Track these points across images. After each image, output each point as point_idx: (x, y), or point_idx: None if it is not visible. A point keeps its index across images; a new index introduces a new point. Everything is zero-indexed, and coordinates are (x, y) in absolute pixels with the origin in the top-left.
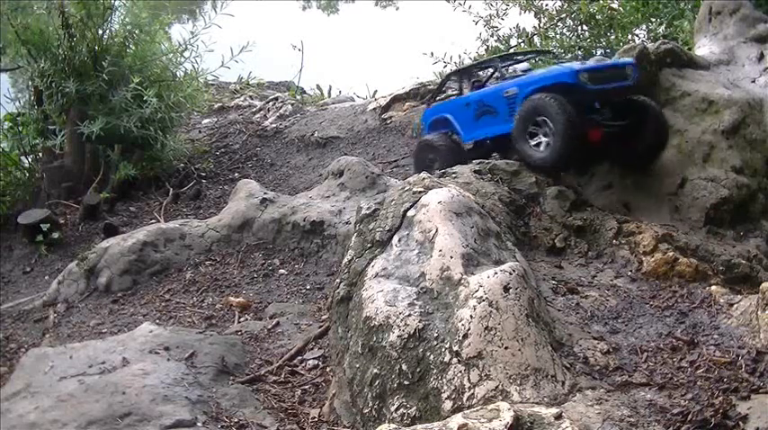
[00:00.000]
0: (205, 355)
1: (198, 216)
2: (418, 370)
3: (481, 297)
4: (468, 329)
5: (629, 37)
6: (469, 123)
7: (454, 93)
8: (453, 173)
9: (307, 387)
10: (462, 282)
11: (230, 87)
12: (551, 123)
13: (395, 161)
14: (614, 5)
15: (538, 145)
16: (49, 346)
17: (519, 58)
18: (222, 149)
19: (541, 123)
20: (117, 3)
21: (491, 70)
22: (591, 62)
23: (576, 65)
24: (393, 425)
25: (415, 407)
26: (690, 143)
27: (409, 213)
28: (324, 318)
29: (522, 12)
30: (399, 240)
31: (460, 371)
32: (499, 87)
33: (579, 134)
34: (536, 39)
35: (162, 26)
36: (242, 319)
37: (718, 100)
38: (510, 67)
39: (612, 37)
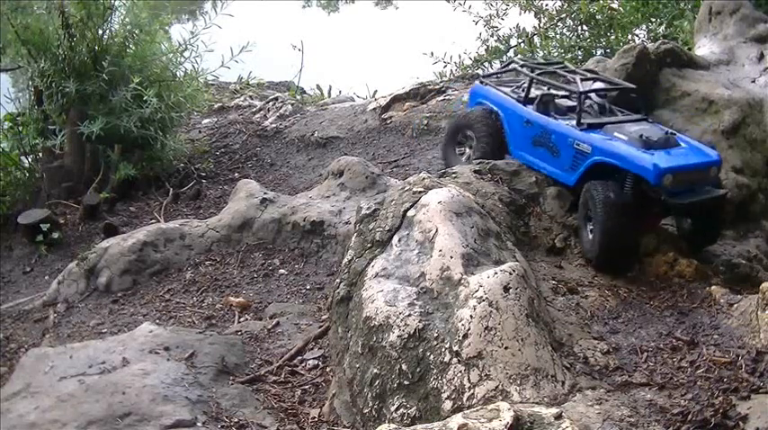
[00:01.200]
0: (205, 355)
1: (198, 216)
2: (418, 370)
3: (481, 297)
4: (469, 329)
5: (629, 37)
6: (522, 141)
7: (514, 84)
8: (453, 173)
9: (307, 387)
10: (462, 282)
11: (230, 87)
12: (595, 215)
13: (395, 161)
14: (614, 5)
15: (591, 232)
16: (49, 346)
17: (600, 85)
18: (222, 149)
19: (592, 213)
20: (117, 3)
21: (565, 81)
22: (678, 156)
23: (660, 157)
24: (393, 425)
25: (415, 407)
26: None
27: (409, 213)
28: (324, 317)
29: (522, 12)
30: (399, 240)
31: (460, 371)
32: (571, 133)
33: (626, 234)
34: (536, 39)
35: (162, 26)
36: (242, 319)
37: (718, 100)
38: (586, 84)
39: (612, 37)
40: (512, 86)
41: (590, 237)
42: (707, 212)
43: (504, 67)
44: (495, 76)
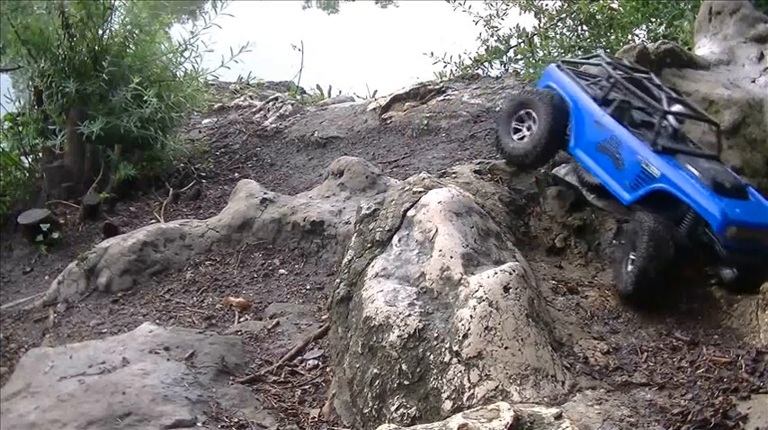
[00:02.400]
0: (205, 355)
1: (198, 216)
2: (418, 370)
3: (481, 297)
4: (469, 329)
5: (629, 37)
6: (586, 141)
7: (590, 79)
8: (453, 173)
9: (307, 387)
10: (462, 281)
11: (230, 87)
12: (639, 245)
13: (395, 161)
14: (614, 5)
15: (632, 262)
16: (49, 346)
17: (682, 109)
18: (222, 149)
19: (637, 242)
20: (117, 3)
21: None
22: (747, 209)
23: (730, 206)
24: (393, 425)
25: (415, 407)
26: None
27: (409, 213)
28: (324, 317)
29: (522, 12)
30: (399, 240)
31: (460, 371)
32: (643, 152)
33: (666, 271)
34: (536, 39)
35: (162, 26)
36: (242, 319)
37: (718, 100)
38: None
39: (612, 37)
40: (588, 81)
41: (628, 268)
42: (755, 267)
43: (589, 58)
44: (575, 64)
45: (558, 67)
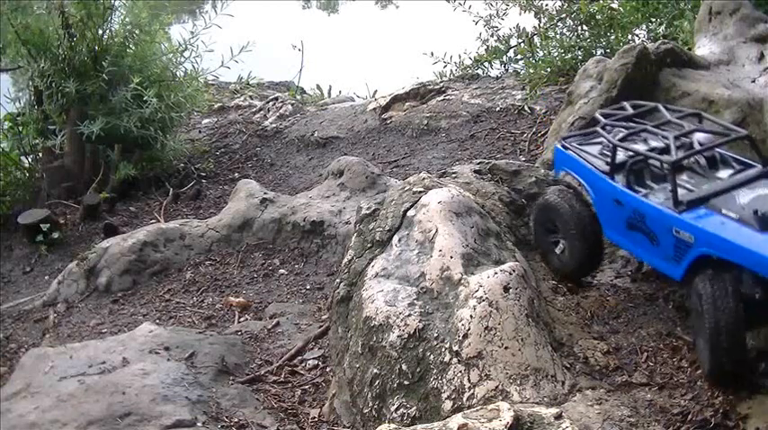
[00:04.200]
0: (205, 355)
1: (198, 216)
2: (418, 370)
3: (481, 297)
4: (468, 329)
5: (629, 37)
6: (615, 223)
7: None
8: (453, 173)
9: (307, 387)
10: (462, 281)
11: (230, 87)
12: (706, 319)
13: (395, 161)
14: (614, 5)
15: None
16: (49, 346)
17: (703, 138)
18: (222, 149)
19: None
20: (117, 3)
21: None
22: None
23: None
24: (393, 425)
25: (415, 407)
26: None
27: (409, 213)
28: (324, 317)
29: (522, 12)
30: (399, 240)
31: (460, 371)
32: (667, 217)
33: (743, 341)
34: (536, 39)
35: (162, 26)
36: (242, 319)
37: (718, 100)
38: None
39: (612, 37)
40: (600, 147)
41: (701, 346)
42: None
43: (588, 125)
44: (580, 136)
45: (563, 146)
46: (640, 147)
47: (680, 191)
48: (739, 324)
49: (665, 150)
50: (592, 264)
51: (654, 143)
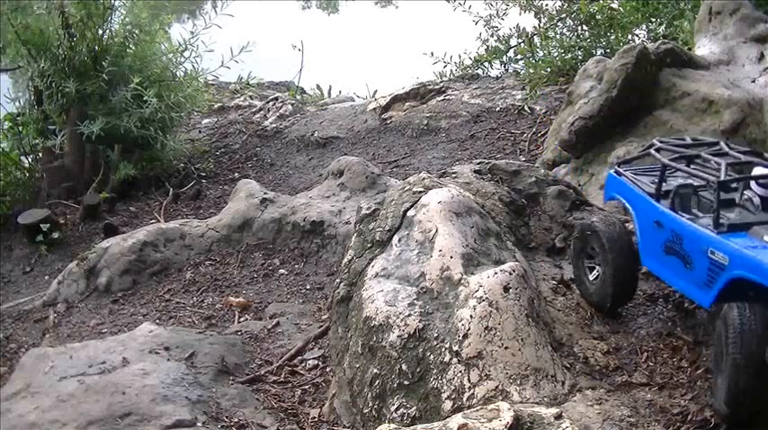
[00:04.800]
0: (205, 355)
1: (198, 216)
2: (418, 370)
3: (481, 297)
4: (468, 329)
5: (629, 37)
6: (653, 247)
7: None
8: (453, 173)
9: (307, 387)
10: (462, 282)
11: (230, 87)
12: (728, 349)
13: (395, 161)
14: (614, 5)
15: (723, 373)
16: (49, 346)
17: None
18: (222, 149)
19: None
20: (117, 3)
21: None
22: None
23: None
24: (393, 425)
25: (415, 407)
26: None
27: (409, 213)
28: (324, 317)
29: (522, 12)
30: (399, 240)
31: (460, 371)
32: (705, 238)
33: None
34: (536, 39)
35: (162, 26)
36: (242, 319)
37: (718, 100)
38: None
39: (612, 37)
40: (653, 175)
41: (718, 380)
42: None
43: (644, 151)
44: (635, 161)
45: (617, 172)
46: (688, 169)
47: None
48: (763, 359)
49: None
50: (623, 296)
51: (706, 174)
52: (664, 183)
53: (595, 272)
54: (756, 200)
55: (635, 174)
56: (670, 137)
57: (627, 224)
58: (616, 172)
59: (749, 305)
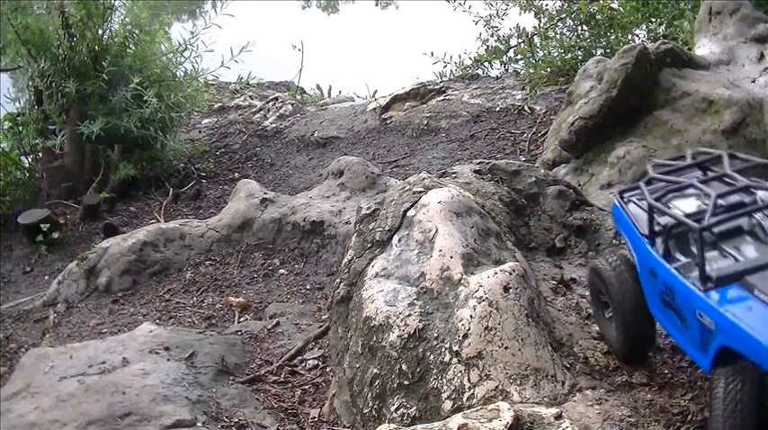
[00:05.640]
0: (205, 355)
1: (198, 216)
2: (418, 370)
3: (481, 297)
4: (468, 329)
5: (629, 37)
6: (653, 296)
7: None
8: (453, 173)
9: (307, 387)
10: (462, 281)
11: (230, 87)
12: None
13: (395, 161)
14: (614, 5)
15: None
16: (49, 346)
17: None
18: (222, 149)
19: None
20: (117, 3)
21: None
22: None
23: None
24: (393, 425)
25: (415, 407)
26: (690, 143)
27: (409, 213)
28: (324, 317)
29: (522, 12)
30: (399, 240)
31: (460, 371)
32: (692, 296)
33: None
34: (536, 39)
35: (162, 26)
36: (242, 319)
37: (718, 100)
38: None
39: (612, 37)
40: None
41: None
42: None
43: (642, 179)
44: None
45: (618, 202)
46: (678, 209)
47: (718, 264)
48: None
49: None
50: (638, 345)
51: (705, 202)
52: (656, 222)
53: (610, 317)
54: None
55: (640, 200)
56: (667, 158)
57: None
58: (618, 201)
59: (737, 376)
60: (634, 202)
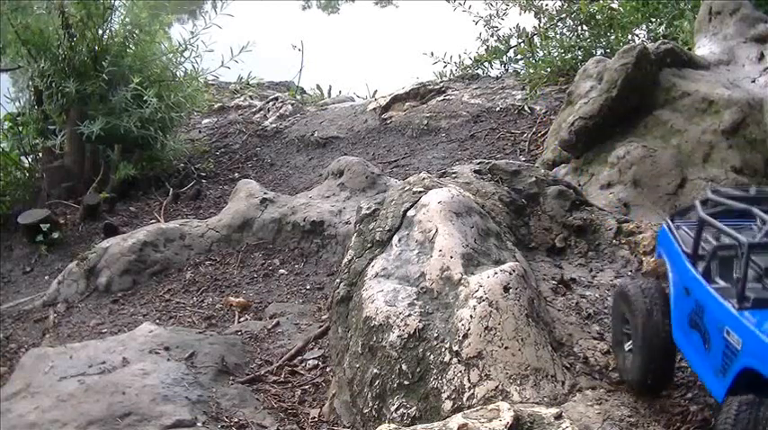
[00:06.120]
0: (205, 355)
1: (198, 216)
2: (418, 370)
3: (481, 297)
4: (468, 329)
5: (629, 37)
6: (680, 315)
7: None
8: (453, 173)
9: (307, 387)
10: (462, 281)
11: (230, 87)
12: None
13: (395, 161)
14: (614, 5)
15: None
16: (49, 346)
17: None
18: (222, 149)
19: None
20: (117, 3)
21: None
22: None
23: None
24: (393, 425)
25: (415, 407)
26: (690, 143)
27: (409, 213)
28: (324, 317)
29: (522, 12)
30: (399, 240)
31: (460, 371)
32: (723, 313)
33: None
34: (536, 39)
35: (162, 26)
36: (242, 319)
37: (718, 100)
38: None
39: (612, 37)
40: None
41: None
42: None
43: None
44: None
45: (670, 225)
46: (724, 226)
47: (758, 293)
48: None
49: None
50: (655, 373)
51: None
52: (704, 242)
53: (629, 341)
54: None
55: (689, 228)
56: (728, 188)
57: (668, 291)
58: (667, 226)
59: (754, 404)
60: (684, 228)
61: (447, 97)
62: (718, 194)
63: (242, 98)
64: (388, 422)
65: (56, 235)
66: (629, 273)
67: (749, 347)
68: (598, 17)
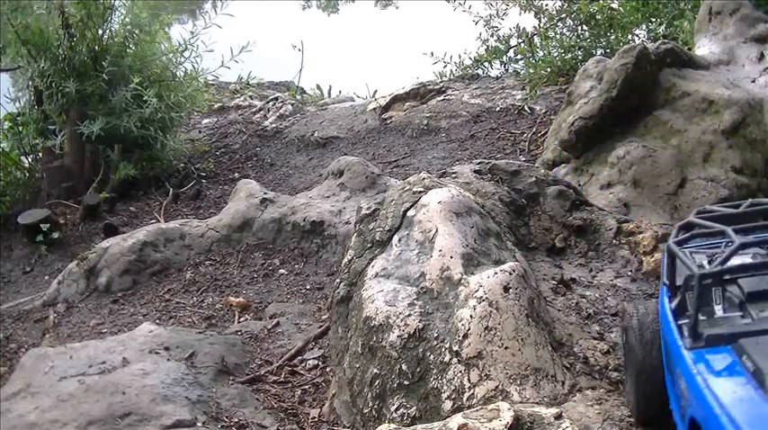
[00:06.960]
0: (205, 355)
1: (198, 216)
2: (418, 370)
3: (481, 297)
4: (468, 329)
5: (629, 37)
6: (666, 349)
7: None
8: (453, 173)
9: (307, 387)
10: (462, 281)
11: (230, 87)
12: None
13: (395, 161)
14: (614, 5)
15: None
16: (49, 346)
17: None
18: (222, 149)
19: None
20: (117, 3)
21: None
22: None
23: None
24: (393, 425)
25: (415, 407)
26: (690, 143)
27: (409, 213)
28: (324, 317)
29: (522, 12)
30: (399, 240)
31: (460, 371)
32: (677, 353)
33: None
34: (536, 39)
35: (162, 26)
36: (242, 319)
37: (718, 100)
38: None
39: (612, 37)
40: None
41: None
42: None
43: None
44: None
45: (669, 249)
46: (684, 254)
47: (731, 325)
48: None
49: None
50: (648, 405)
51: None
52: (680, 270)
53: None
54: None
55: (693, 252)
56: (718, 205)
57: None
58: (668, 249)
59: None
60: (686, 252)
61: (447, 97)
62: (702, 215)
63: (242, 98)
64: (388, 422)
65: (56, 235)
66: (629, 274)
67: (694, 398)
68: (598, 17)
